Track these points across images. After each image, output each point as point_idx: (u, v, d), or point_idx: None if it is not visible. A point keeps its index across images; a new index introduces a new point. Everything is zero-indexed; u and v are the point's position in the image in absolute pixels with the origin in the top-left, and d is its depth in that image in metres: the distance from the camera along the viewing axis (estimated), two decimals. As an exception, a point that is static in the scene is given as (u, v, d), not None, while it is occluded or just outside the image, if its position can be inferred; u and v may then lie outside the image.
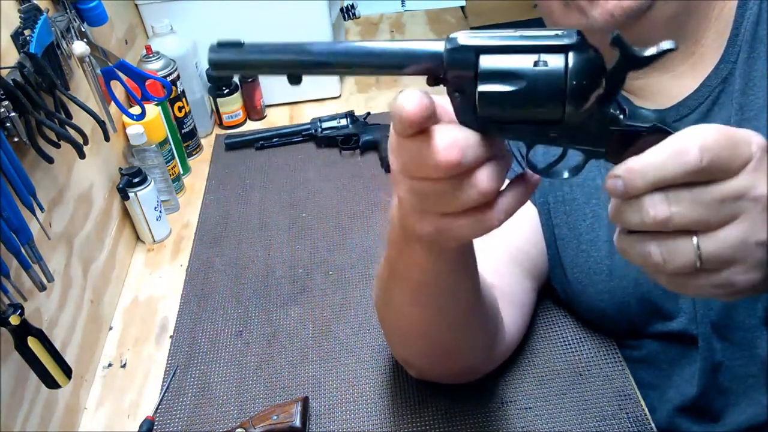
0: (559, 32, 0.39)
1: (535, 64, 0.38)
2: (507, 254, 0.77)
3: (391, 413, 0.80)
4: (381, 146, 1.23)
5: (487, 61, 0.39)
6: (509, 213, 0.45)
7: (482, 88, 0.39)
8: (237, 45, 0.41)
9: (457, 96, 0.40)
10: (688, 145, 0.39)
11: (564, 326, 0.86)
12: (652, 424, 0.75)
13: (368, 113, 1.32)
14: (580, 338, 0.85)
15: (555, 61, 0.38)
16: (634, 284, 0.73)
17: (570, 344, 0.84)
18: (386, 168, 1.20)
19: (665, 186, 0.39)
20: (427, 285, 0.60)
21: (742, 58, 0.67)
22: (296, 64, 0.41)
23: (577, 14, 0.66)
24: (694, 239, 0.40)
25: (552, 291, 0.86)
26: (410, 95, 0.40)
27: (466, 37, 0.39)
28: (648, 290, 0.72)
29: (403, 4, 1.78)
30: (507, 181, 0.46)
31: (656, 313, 0.74)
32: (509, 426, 0.76)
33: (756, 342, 0.69)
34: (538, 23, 0.80)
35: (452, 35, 0.40)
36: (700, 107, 0.69)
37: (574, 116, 0.40)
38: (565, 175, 0.46)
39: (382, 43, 0.41)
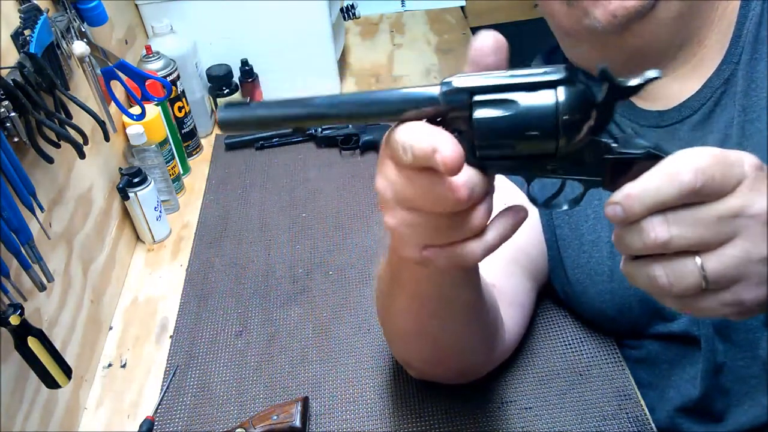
0: (548, 69, 0.40)
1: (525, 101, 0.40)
2: (507, 254, 0.77)
3: (391, 413, 0.80)
4: (381, 146, 1.23)
5: (480, 99, 0.41)
6: (494, 247, 0.45)
7: (477, 115, 0.41)
8: (243, 104, 0.44)
9: (456, 136, 0.41)
10: (682, 167, 0.40)
11: (564, 326, 0.86)
12: (652, 424, 0.75)
13: (368, 113, 1.32)
14: (580, 338, 0.85)
15: (545, 98, 0.40)
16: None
17: (570, 344, 0.84)
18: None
19: (663, 209, 0.40)
20: (428, 295, 0.61)
21: (744, 60, 0.66)
22: (300, 117, 0.44)
23: (579, 14, 0.66)
24: (698, 259, 0.41)
25: (552, 291, 0.86)
26: (420, 136, 0.40)
27: (459, 80, 0.41)
28: None
29: (403, 4, 1.78)
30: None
31: (657, 314, 0.74)
32: (509, 426, 0.76)
33: (758, 343, 0.68)
34: (538, 23, 0.80)
35: (446, 79, 0.42)
36: (702, 108, 0.69)
37: (567, 148, 0.41)
38: (565, 207, 0.47)
39: (379, 93, 0.43)
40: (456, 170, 0.39)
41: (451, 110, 0.41)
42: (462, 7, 1.77)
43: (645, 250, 0.42)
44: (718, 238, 0.40)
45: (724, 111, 0.68)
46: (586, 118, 0.41)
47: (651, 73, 0.40)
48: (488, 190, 0.44)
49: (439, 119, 0.42)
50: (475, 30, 1.68)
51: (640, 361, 0.80)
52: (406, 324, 0.68)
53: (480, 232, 0.44)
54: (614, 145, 0.42)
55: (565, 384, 0.80)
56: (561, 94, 0.40)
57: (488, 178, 0.43)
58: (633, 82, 0.40)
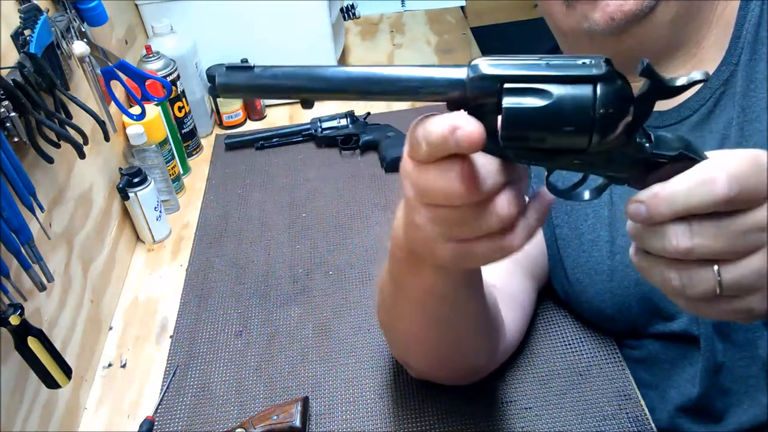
0: (587, 61, 0.38)
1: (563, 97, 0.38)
2: None
3: (391, 413, 0.80)
4: (381, 146, 1.23)
5: (512, 87, 0.38)
6: (529, 235, 0.44)
7: (507, 104, 0.38)
8: (247, 68, 0.41)
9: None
10: (717, 174, 0.38)
11: (564, 326, 0.86)
12: (652, 424, 0.75)
13: (368, 113, 1.32)
14: (580, 338, 0.85)
15: (582, 92, 0.38)
16: (635, 284, 0.73)
17: (570, 344, 0.84)
18: (386, 168, 1.20)
19: (689, 215, 0.39)
20: (432, 303, 0.60)
21: (743, 60, 0.66)
22: (311, 90, 0.41)
23: (578, 16, 0.66)
24: (715, 268, 0.40)
25: (552, 291, 0.86)
26: (438, 121, 0.39)
27: (488, 66, 0.39)
28: (649, 291, 0.72)
29: (403, 4, 1.78)
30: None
31: (657, 314, 0.74)
32: (509, 426, 0.76)
33: (757, 342, 0.68)
34: (538, 23, 0.80)
35: (474, 62, 0.39)
36: (701, 109, 0.69)
37: (600, 146, 0.39)
38: (587, 196, 0.45)
39: (400, 69, 0.40)
40: (477, 144, 0.38)
41: (478, 97, 0.39)
42: (462, 7, 1.77)
43: (663, 254, 0.41)
44: (741, 250, 0.40)
45: (724, 111, 0.68)
46: (623, 116, 0.39)
47: (696, 74, 0.38)
48: (511, 178, 0.42)
49: (462, 104, 0.40)
50: (475, 30, 1.68)
51: (640, 361, 0.80)
52: (409, 330, 0.68)
53: (512, 220, 0.43)
54: (647, 144, 0.41)
55: (565, 384, 0.80)
56: (599, 89, 0.38)
57: (509, 166, 0.42)
58: (679, 82, 0.38)
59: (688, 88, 0.39)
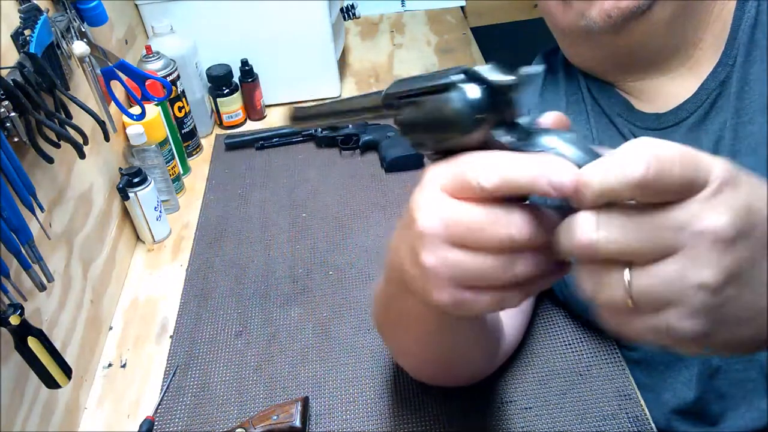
0: (453, 71, 0.41)
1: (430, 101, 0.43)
2: None
3: (391, 413, 0.80)
4: (381, 146, 1.23)
5: (404, 102, 0.46)
6: (531, 294, 0.41)
7: (396, 121, 0.47)
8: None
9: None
10: (636, 156, 0.33)
11: (564, 326, 0.86)
12: (652, 425, 0.75)
13: (368, 113, 1.32)
14: (580, 338, 0.85)
15: (443, 99, 0.41)
16: None
17: (570, 344, 0.84)
18: (386, 168, 1.20)
19: (611, 202, 0.34)
20: (424, 325, 0.59)
21: (739, 62, 0.67)
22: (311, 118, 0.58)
23: (576, 14, 0.66)
24: (627, 272, 0.34)
25: (552, 292, 0.86)
26: (527, 161, 0.36)
27: (390, 87, 0.47)
28: None
29: (403, 4, 1.78)
30: None
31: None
32: (509, 426, 0.76)
33: None
34: (538, 23, 0.80)
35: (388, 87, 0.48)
36: (697, 110, 0.69)
37: (465, 143, 0.41)
38: None
39: (353, 101, 0.53)
40: (566, 193, 0.34)
41: (392, 113, 0.47)
42: (462, 7, 1.77)
43: (573, 253, 0.36)
44: (653, 252, 0.33)
45: (720, 113, 0.68)
46: (475, 116, 0.39)
47: (531, 69, 0.37)
48: (543, 240, 0.38)
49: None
50: (475, 30, 1.68)
51: (637, 363, 0.80)
52: (401, 344, 0.68)
53: (522, 279, 0.39)
54: (509, 140, 0.39)
55: (565, 384, 0.80)
56: (453, 95, 0.40)
57: (547, 223, 0.38)
58: (505, 79, 0.38)
59: (519, 83, 0.37)
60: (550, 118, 0.40)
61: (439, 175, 0.41)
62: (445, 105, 0.40)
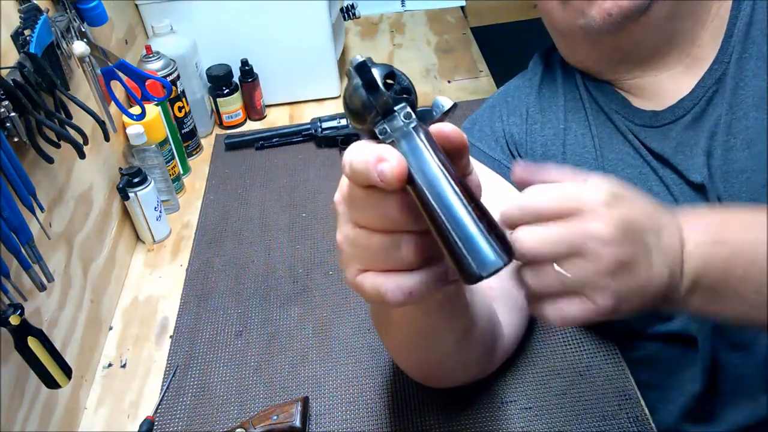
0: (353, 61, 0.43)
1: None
2: None
3: (391, 413, 0.80)
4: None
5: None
6: (411, 295, 0.42)
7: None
8: None
9: None
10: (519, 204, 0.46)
11: (564, 326, 0.86)
12: (652, 424, 0.75)
13: (368, 113, 1.32)
14: (580, 338, 0.85)
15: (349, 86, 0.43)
16: None
17: (570, 344, 0.84)
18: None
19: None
20: (409, 326, 0.59)
21: (734, 59, 0.67)
22: None
23: (575, 14, 0.67)
24: (555, 266, 0.45)
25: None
26: (364, 146, 0.39)
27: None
28: None
29: (403, 4, 1.78)
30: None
31: (655, 314, 0.74)
32: (509, 426, 0.76)
33: (754, 342, 0.69)
34: (538, 23, 0.80)
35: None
36: (694, 108, 0.69)
37: (360, 130, 0.43)
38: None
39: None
40: (395, 184, 0.38)
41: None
42: (462, 7, 1.77)
43: (518, 256, 0.46)
44: (568, 253, 0.45)
45: (716, 110, 0.68)
46: (359, 107, 0.42)
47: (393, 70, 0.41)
48: (422, 228, 0.41)
49: None
50: (475, 30, 1.68)
51: (639, 362, 0.80)
52: (393, 344, 0.69)
53: (410, 268, 0.42)
54: (381, 132, 0.41)
55: (565, 384, 0.80)
56: (346, 84, 0.43)
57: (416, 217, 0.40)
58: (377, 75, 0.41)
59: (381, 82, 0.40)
60: (447, 128, 0.41)
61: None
62: (346, 90, 0.43)
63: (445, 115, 0.42)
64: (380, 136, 0.41)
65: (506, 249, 0.37)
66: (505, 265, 0.37)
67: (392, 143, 0.40)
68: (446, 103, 0.41)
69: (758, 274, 0.49)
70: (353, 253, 0.44)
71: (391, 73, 0.42)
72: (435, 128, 0.41)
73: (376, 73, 0.41)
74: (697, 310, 0.52)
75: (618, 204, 0.46)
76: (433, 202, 0.38)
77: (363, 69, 0.41)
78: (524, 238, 0.45)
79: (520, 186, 0.48)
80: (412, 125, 0.40)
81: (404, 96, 0.41)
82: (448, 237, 0.37)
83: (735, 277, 0.49)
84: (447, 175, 0.38)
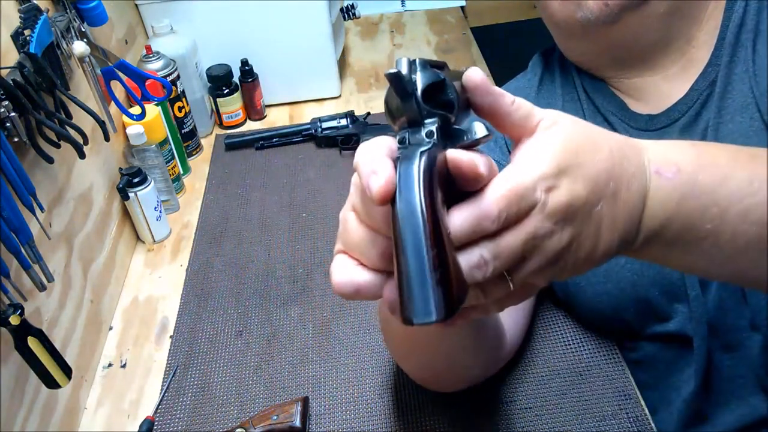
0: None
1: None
2: None
3: (391, 413, 0.80)
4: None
5: None
6: (357, 292, 0.41)
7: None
8: None
9: None
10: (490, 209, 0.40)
11: (564, 326, 0.86)
12: (652, 424, 0.75)
13: (368, 113, 1.32)
14: (580, 338, 0.85)
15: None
16: (631, 286, 0.73)
17: (570, 344, 0.84)
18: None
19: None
20: (420, 335, 0.59)
21: (724, 62, 0.67)
22: None
23: (572, 6, 0.67)
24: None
25: (552, 291, 0.86)
26: (369, 154, 0.39)
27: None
28: (645, 292, 0.72)
29: (403, 4, 1.78)
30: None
31: (653, 315, 0.74)
32: (509, 426, 0.76)
33: (746, 343, 0.69)
34: (538, 23, 0.80)
35: None
36: (689, 111, 0.70)
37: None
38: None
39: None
40: (376, 201, 0.37)
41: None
42: (462, 7, 1.77)
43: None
44: (522, 250, 0.41)
45: (708, 114, 0.68)
46: (392, 106, 0.41)
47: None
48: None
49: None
50: (475, 30, 1.68)
51: (638, 363, 0.80)
52: (396, 345, 0.69)
53: (375, 268, 0.41)
54: (398, 139, 0.40)
55: (565, 384, 0.80)
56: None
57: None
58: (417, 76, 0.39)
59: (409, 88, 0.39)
60: (464, 159, 0.39)
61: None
62: (388, 88, 0.41)
63: (476, 143, 0.40)
64: (398, 144, 0.40)
65: (448, 305, 0.35)
66: (439, 321, 0.35)
67: (398, 158, 0.38)
68: (480, 132, 0.40)
69: (728, 232, 0.45)
70: (342, 231, 0.44)
71: (440, 83, 0.40)
72: (452, 156, 0.39)
73: (420, 80, 0.39)
74: (651, 260, 0.50)
75: (563, 180, 0.41)
76: (399, 233, 0.36)
77: (398, 78, 0.38)
78: (476, 276, 0.41)
79: (472, 93, 0.43)
80: (428, 147, 0.38)
81: (439, 111, 0.39)
82: (401, 270, 0.36)
83: (697, 235, 0.46)
84: (424, 214, 0.36)
